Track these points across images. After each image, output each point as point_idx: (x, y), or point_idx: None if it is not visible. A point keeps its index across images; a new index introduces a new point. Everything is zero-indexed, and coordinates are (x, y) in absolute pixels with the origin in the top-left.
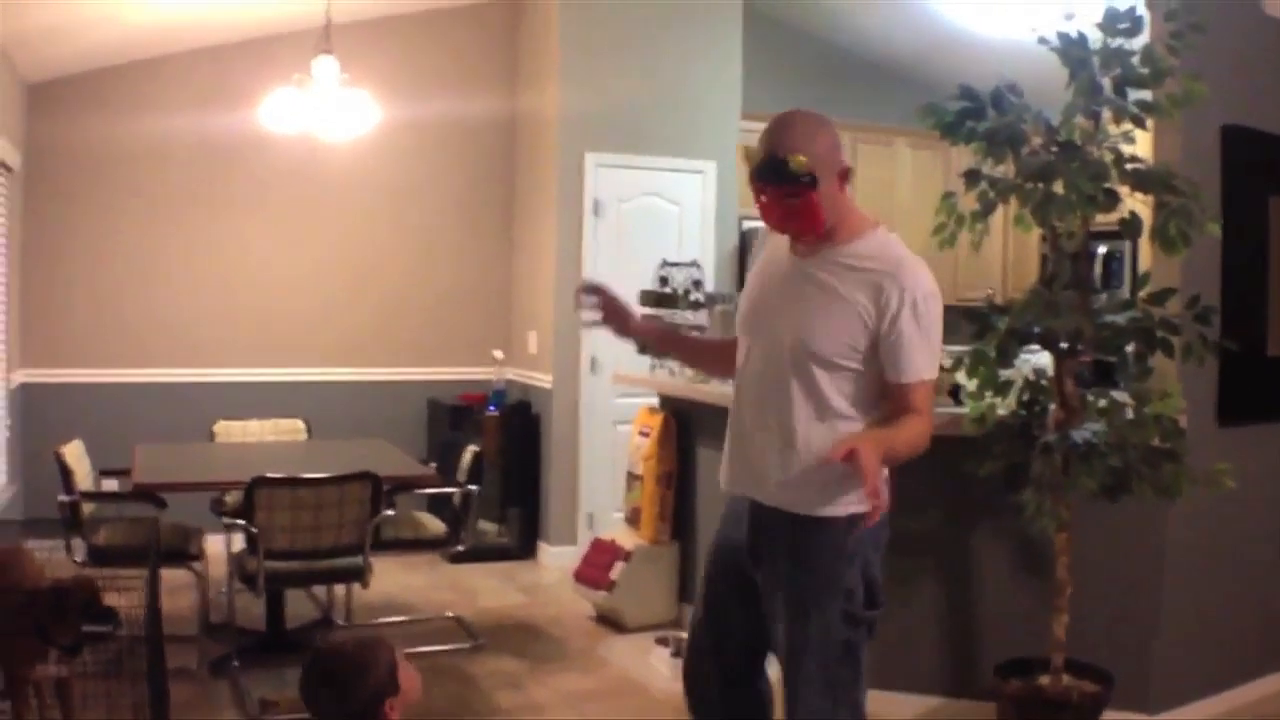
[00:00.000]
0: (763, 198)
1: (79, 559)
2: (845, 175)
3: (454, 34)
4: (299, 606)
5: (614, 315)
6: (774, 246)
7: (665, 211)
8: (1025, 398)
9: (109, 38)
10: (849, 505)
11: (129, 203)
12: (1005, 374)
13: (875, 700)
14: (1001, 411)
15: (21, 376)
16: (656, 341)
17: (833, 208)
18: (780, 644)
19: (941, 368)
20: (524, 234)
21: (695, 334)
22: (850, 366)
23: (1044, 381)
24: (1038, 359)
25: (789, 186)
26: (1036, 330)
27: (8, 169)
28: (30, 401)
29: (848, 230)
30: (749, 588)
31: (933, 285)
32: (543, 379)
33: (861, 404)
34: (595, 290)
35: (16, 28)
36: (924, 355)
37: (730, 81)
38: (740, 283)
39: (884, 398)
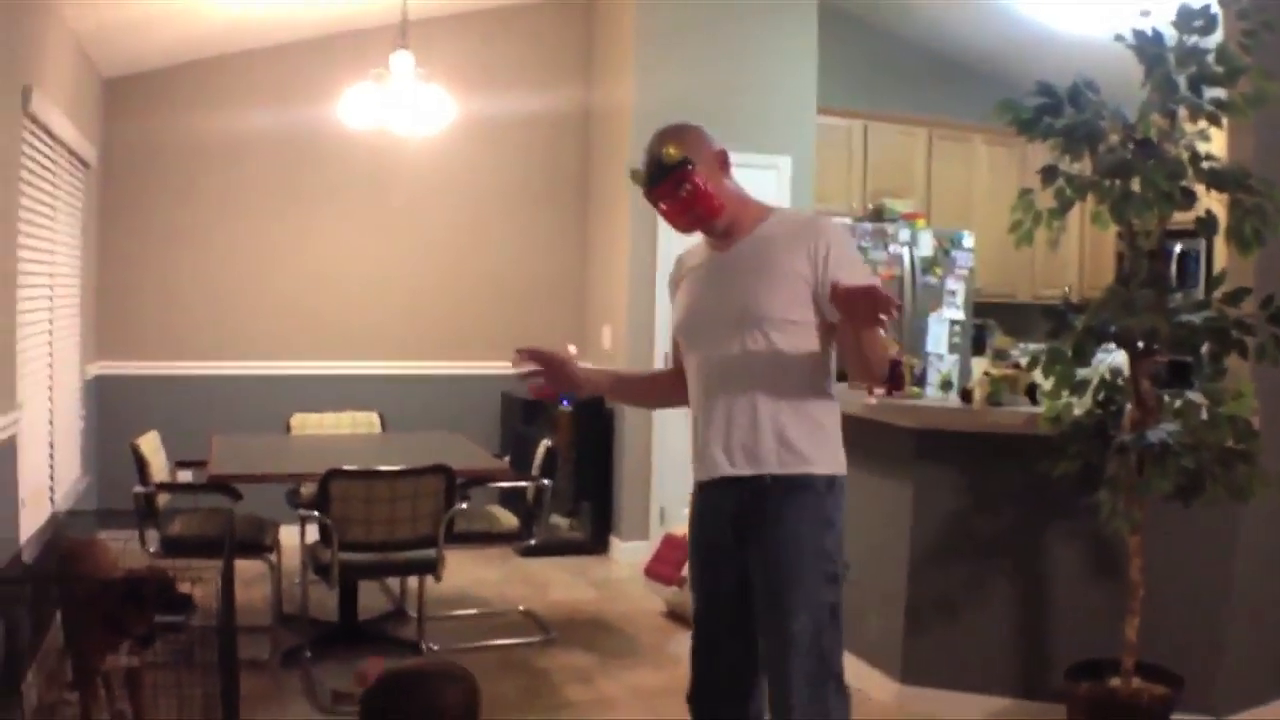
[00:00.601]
0: (662, 205)
1: (153, 550)
2: (724, 160)
3: (529, 28)
4: (372, 598)
5: (556, 376)
6: (691, 264)
7: None
8: (1101, 397)
9: (186, 33)
10: (827, 466)
11: (205, 197)
12: (1082, 373)
13: (946, 701)
14: (1077, 411)
15: (97, 369)
16: (607, 390)
17: (727, 196)
18: (770, 612)
19: (1018, 366)
20: (598, 228)
21: (637, 372)
22: (801, 321)
23: (1120, 381)
24: (1114, 358)
25: (672, 179)
26: (1113, 329)
27: (85, 165)
28: (105, 394)
29: (752, 217)
30: (744, 592)
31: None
32: None
33: (815, 353)
34: (533, 355)
35: (94, 24)
36: (864, 277)
37: (805, 75)
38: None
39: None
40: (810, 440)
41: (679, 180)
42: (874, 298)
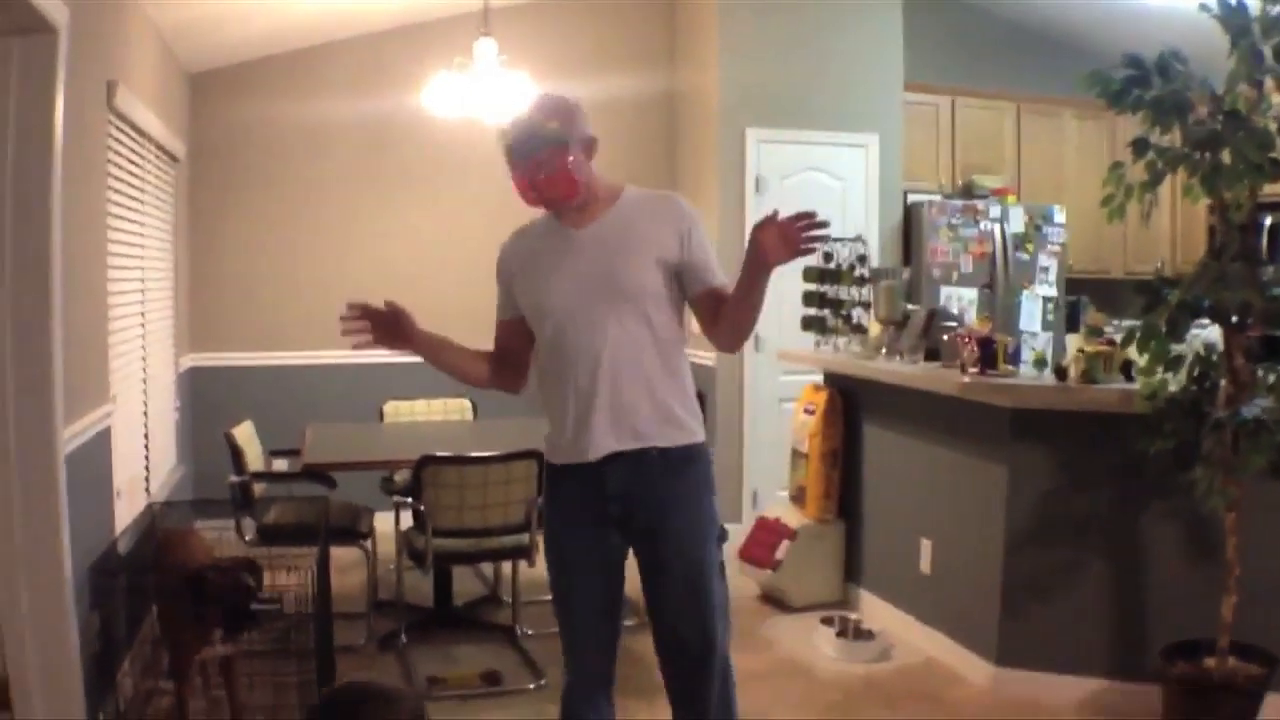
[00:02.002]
0: (521, 176)
1: (249, 538)
2: (592, 146)
3: (612, 12)
4: (466, 584)
5: (387, 332)
6: (535, 244)
7: (828, 186)
8: (1195, 373)
9: (268, 27)
10: (701, 434)
11: (293, 189)
12: (1176, 349)
13: (1041, 682)
14: (1172, 388)
15: (190, 361)
16: (428, 350)
17: (588, 176)
18: (669, 582)
19: (1112, 343)
20: None
21: (463, 346)
22: (668, 295)
23: (1214, 356)
24: (1207, 333)
25: (543, 152)
26: (1206, 304)
27: (174, 159)
28: (199, 385)
29: (608, 194)
30: (616, 571)
31: None
32: (706, 357)
33: (678, 327)
34: (362, 311)
35: (177, 20)
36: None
37: (891, 53)
38: (906, 258)
39: (702, 306)
40: (687, 410)
41: (549, 157)
42: (807, 222)
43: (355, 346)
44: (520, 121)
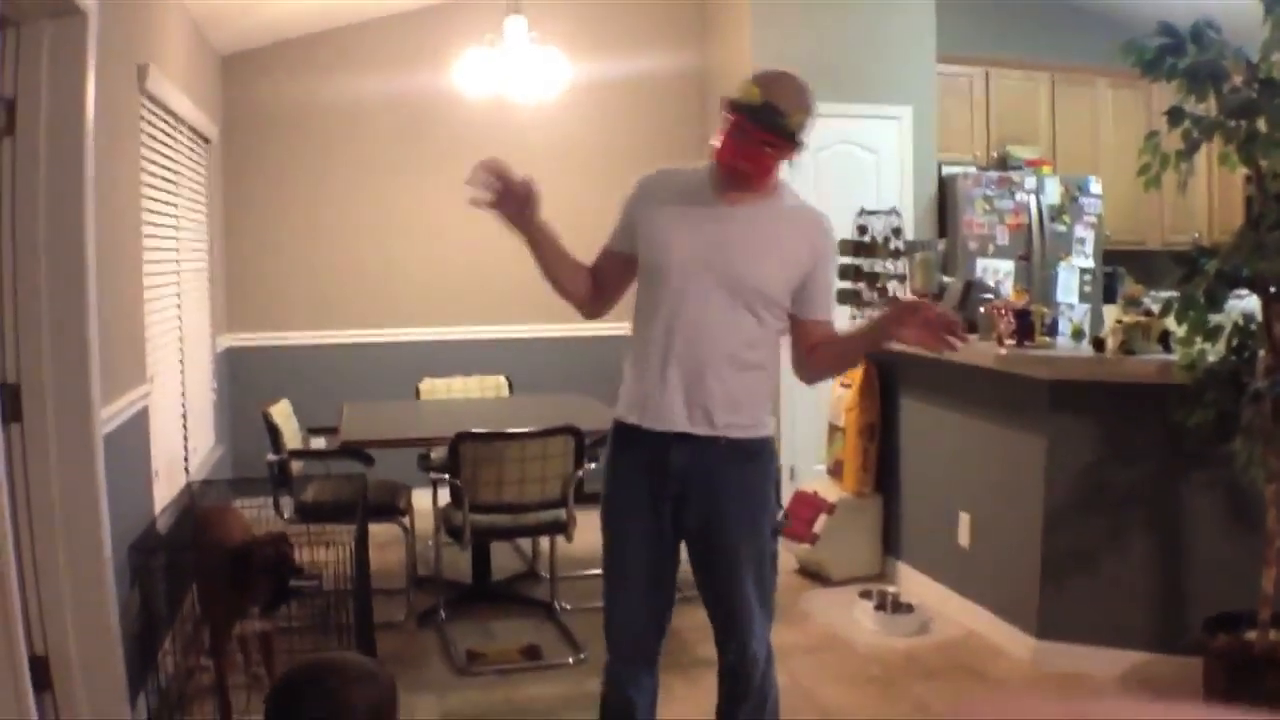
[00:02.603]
0: (737, 136)
1: (287, 516)
2: (798, 151)
3: None
4: (504, 559)
5: (512, 202)
6: (680, 188)
7: (862, 159)
8: (1234, 344)
9: (298, 7)
10: (769, 428)
11: (325, 168)
12: (1215, 319)
13: (1082, 655)
14: (1211, 358)
15: (228, 341)
16: (536, 238)
17: (776, 172)
18: (720, 566)
19: (1149, 312)
20: None
21: (565, 250)
22: (777, 300)
23: (1253, 327)
24: (1246, 304)
25: (775, 136)
26: (1245, 273)
27: (206, 141)
28: (236, 365)
29: (776, 188)
30: (669, 555)
31: None
32: None
33: (778, 334)
34: (499, 173)
35: (208, 2)
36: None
37: (924, 24)
38: (942, 230)
39: (800, 332)
40: (763, 409)
41: (774, 144)
42: (953, 326)
43: (473, 202)
44: (777, 96)
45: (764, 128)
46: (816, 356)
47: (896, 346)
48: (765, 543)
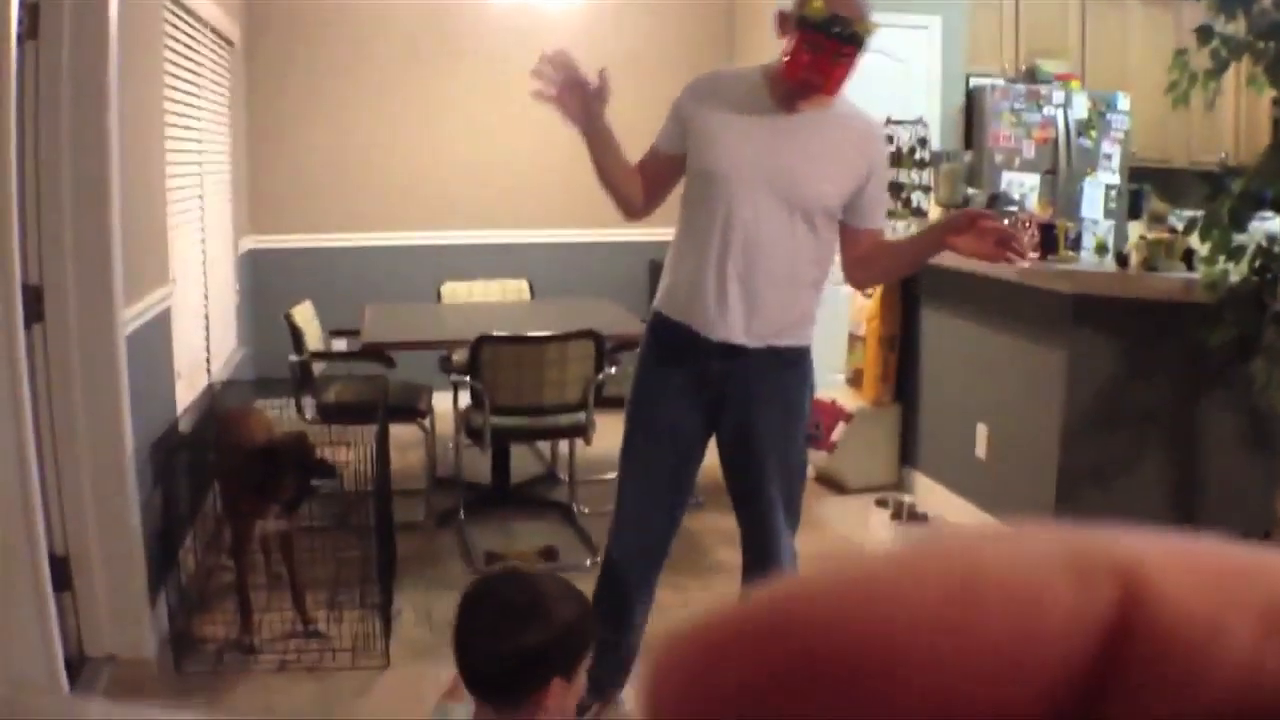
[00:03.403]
0: (803, 49)
1: (309, 417)
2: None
3: None
4: (524, 462)
5: (575, 97)
6: (734, 93)
7: (889, 69)
8: (1257, 264)
9: None
10: (811, 337)
11: (348, 70)
12: (1239, 239)
13: None
14: (1234, 278)
15: (250, 243)
16: (597, 138)
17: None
18: (753, 470)
19: (1173, 230)
20: None
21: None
22: (833, 211)
23: (1276, 248)
24: (1270, 225)
25: (848, 46)
26: (1269, 195)
27: (229, 43)
28: (258, 267)
29: (826, 100)
30: (695, 455)
31: None
32: None
33: (831, 245)
34: (563, 64)
35: None
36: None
37: None
38: (968, 142)
39: (852, 240)
40: (810, 320)
41: (847, 53)
42: (1011, 238)
43: (534, 94)
44: (846, 7)
45: (837, 39)
46: (870, 264)
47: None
48: (799, 450)
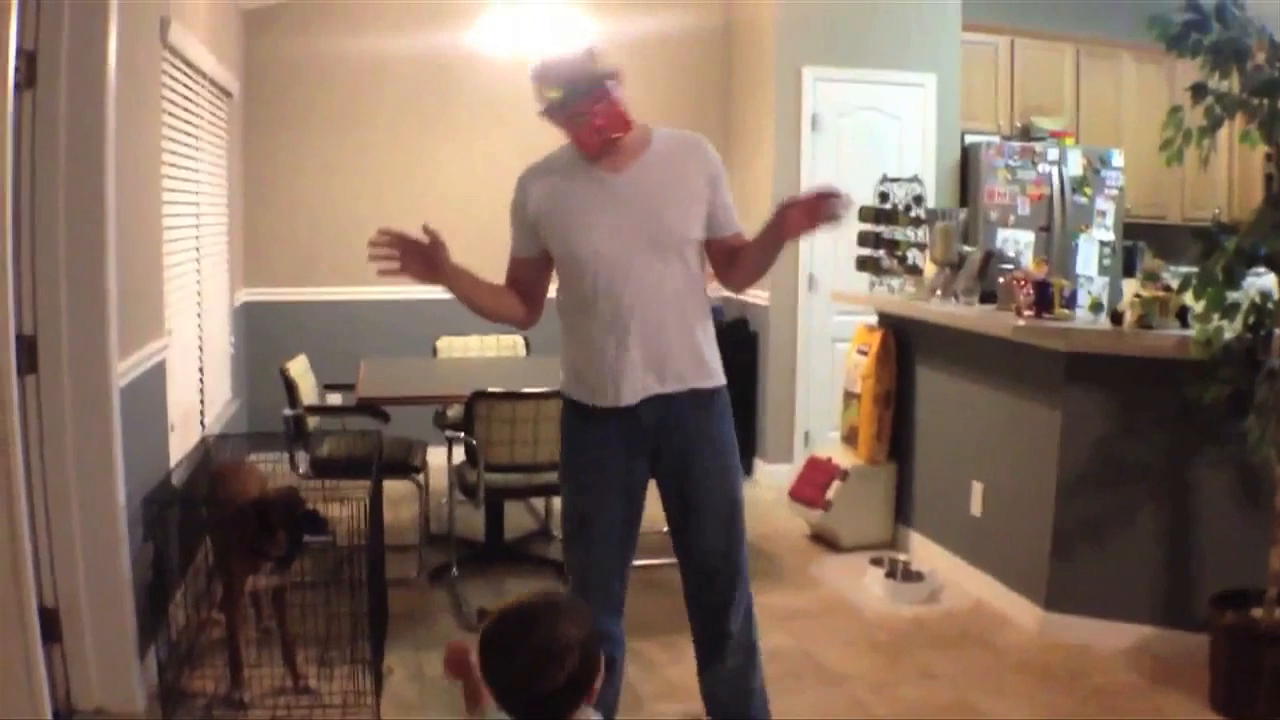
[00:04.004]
0: (578, 119)
1: (303, 471)
2: (620, 78)
3: None
4: (518, 518)
5: (420, 261)
6: (562, 177)
7: (885, 126)
8: (1251, 321)
9: None
10: (723, 373)
11: (346, 124)
12: (1232, 296)
13: (1089, 628)
14: (1228, 335)
15: (245, 295)
16: (454, 282)
17: (628, 107)
18: (703, 515)
19: (1168, 288)
20: (740, 150)
21: (484, 280)
22: (698, 239)
23: (1270, 305)
24: (1264, 281)
25: (595, 94)
26: (1263, 251)
27: (228, 95)
28: (254, 320)
29: (640, 138)
30: (638, 506)
31: None
32: (760, 296)
33: (702, 270)
34: (396, 239)
35: None
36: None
37: None
38: (963, 200)
39: (717, 250)
40: (713, 352)
41: (599, 97)
42: (835, 198)
43: (381, 273)
44: (561, 70)
45: (581, 93)
46: (738, 266)
47: (913, 313)
48: (739, 486)
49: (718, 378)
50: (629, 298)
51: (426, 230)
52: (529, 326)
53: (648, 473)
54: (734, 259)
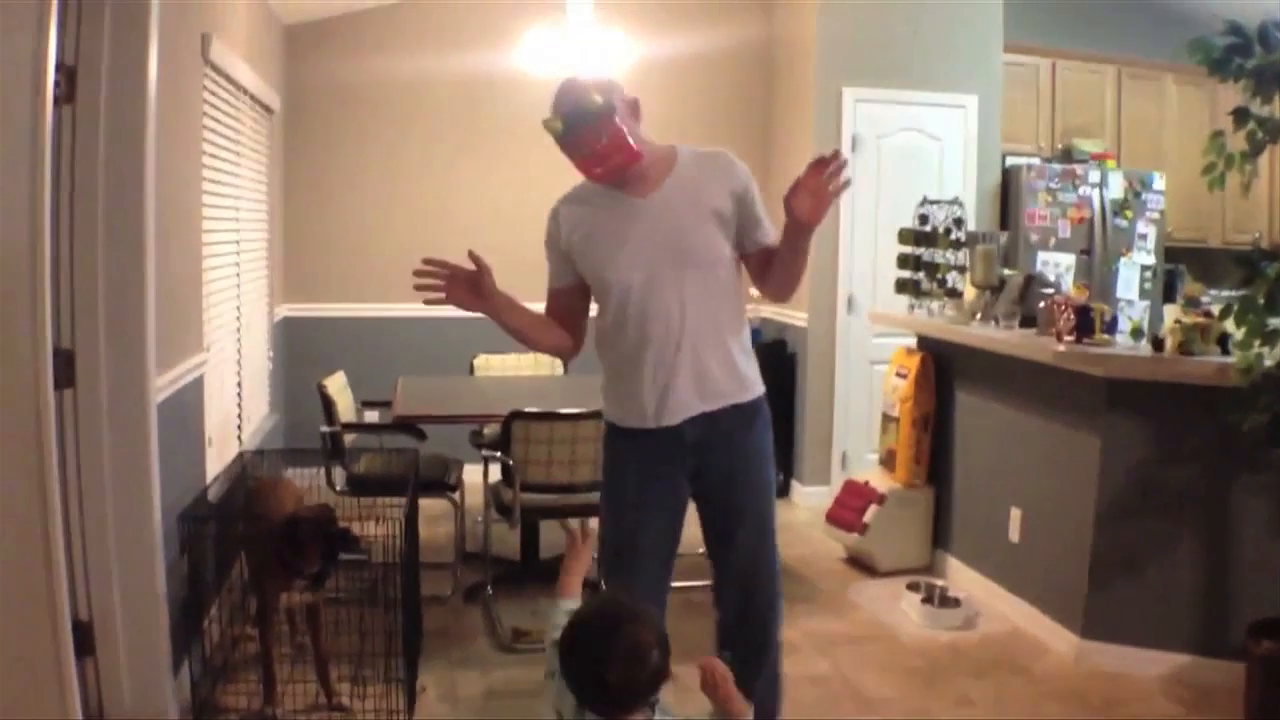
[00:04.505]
0: (581, 154)
1: (339, 488)
2: (637, 109)
3: None
4: (553, 537)
5: (465, 289)
6: (592, 213)
7: (925, 147)
8: None
9: None
10: (762, 385)
11: (385, 141)
12: (1273, 323)
13: (1125, 656)
14: (1268, 362)
15: (285, 311)
16: (499, 311)
17: (642, 142)
18: (745, 529)
19: (1209, 314)
20: (780, 171)
21: (528, 309)
22: (730, 255)
23: None
24: None
25: (592, 128)
26: None
27: (269, 110)
28: (293, 335)
29: (664, 157)
30: (679, 523)
31: None
32: (799, 317)
33: (739, 283)
34: (441, 266)
35: None
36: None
37: (992, 12)
38: (1003, 222)
39: (755, 262)
40: (752, 366)
41: (600, 129)
42: (830, 162)
43: (427, 302)
44: (562, 106)
45: (577, 129)
46: (769, 273)
47: (952, 337)
48: (772, 499)
49: (756, 388)
50: (663, 320)
51: (472, 257)
52: (572, 357)
53: (688, 491)
54: (767, 268)
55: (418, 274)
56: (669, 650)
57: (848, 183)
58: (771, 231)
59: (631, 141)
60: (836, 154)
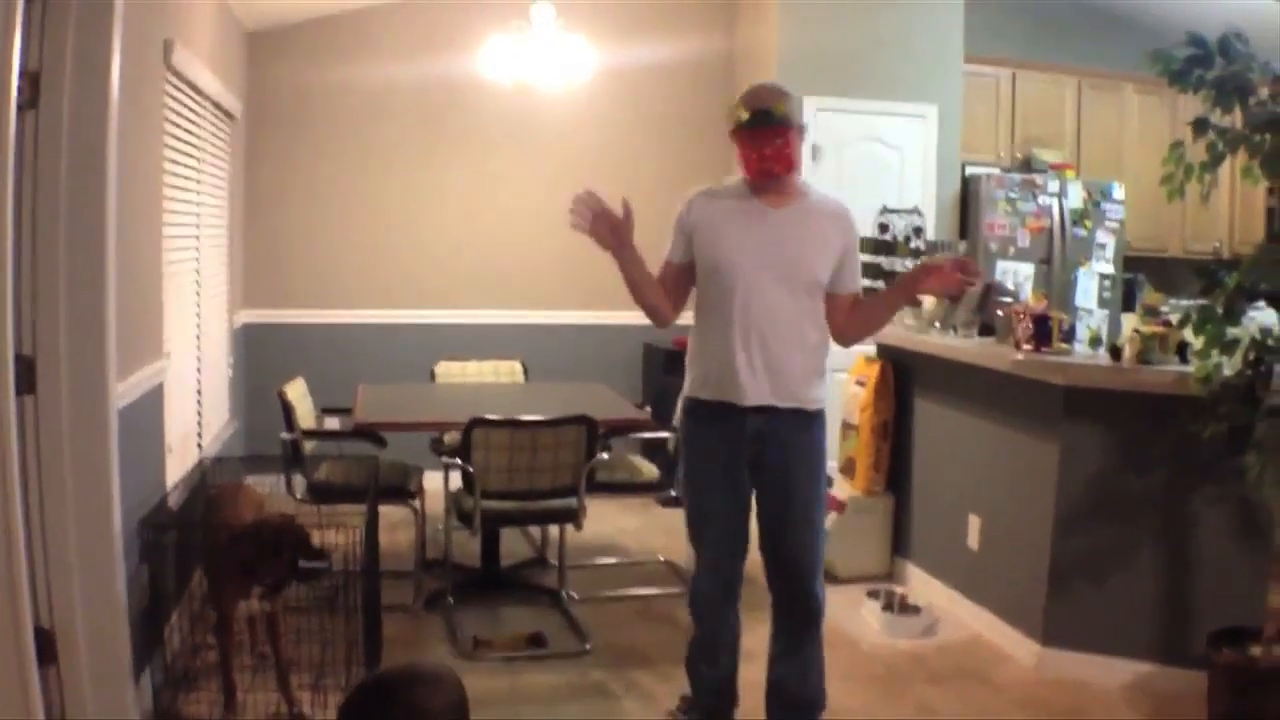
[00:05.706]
0: (755, 146)
1: (299, 495)
2: (803, 132)
3: None
4: (514, 545)
5: (604, 227)
6: (726, 205)
7: (885, 157)
8: (1251, 357)
9: None
10: (825, 398)
11: (347, 148)
12: (1232, 332)
13: (1086, 663)
14: (1227, 371)
15: (245, 317)
16: (628, 263)
17: (798, 157)
18: (793, 515)
19: (1167, 324)
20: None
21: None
22: (824, 284)
23: (1270, 341)
24: (1264, 317)
25: (773, 129)
26: (1264, 287)
27: (230, 117)
28: (253, 342)
29: (800, 189)
30: (745, 508)
31: None
32: None
33: (823, 313)
34: (597, 203)
35: None
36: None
37: (952, 23)
38: (963, 231)
39: (837, 306)
40: (823, 384)
41: (776, 133)
42: (974, 273)
43: (574, 225)
44: (752, 101)
45: (765, 127)
46: (852, 321)
47: (911, 345)
48: (824, 500)
49: (821, 404)
50: (759, 312)
51: (624, 205)
52: (665, 323)
53: (750, 481)
54: (851, 315)
55: (577, 200)
56: (467, 714)
57: (971, 286)
58: (851, 283)
59: (795, 156)
60: (979, 270)
